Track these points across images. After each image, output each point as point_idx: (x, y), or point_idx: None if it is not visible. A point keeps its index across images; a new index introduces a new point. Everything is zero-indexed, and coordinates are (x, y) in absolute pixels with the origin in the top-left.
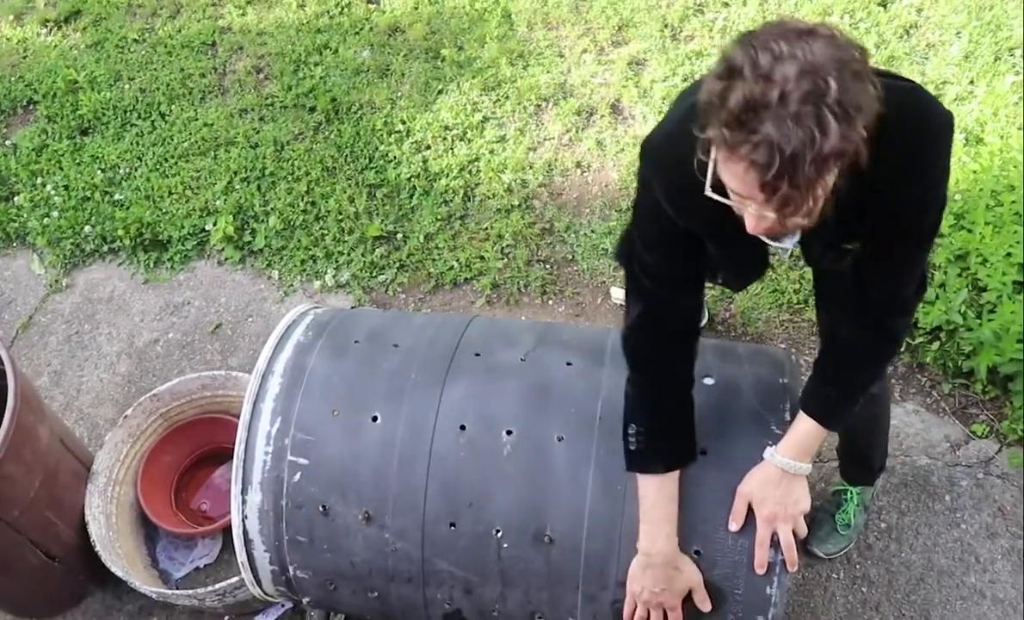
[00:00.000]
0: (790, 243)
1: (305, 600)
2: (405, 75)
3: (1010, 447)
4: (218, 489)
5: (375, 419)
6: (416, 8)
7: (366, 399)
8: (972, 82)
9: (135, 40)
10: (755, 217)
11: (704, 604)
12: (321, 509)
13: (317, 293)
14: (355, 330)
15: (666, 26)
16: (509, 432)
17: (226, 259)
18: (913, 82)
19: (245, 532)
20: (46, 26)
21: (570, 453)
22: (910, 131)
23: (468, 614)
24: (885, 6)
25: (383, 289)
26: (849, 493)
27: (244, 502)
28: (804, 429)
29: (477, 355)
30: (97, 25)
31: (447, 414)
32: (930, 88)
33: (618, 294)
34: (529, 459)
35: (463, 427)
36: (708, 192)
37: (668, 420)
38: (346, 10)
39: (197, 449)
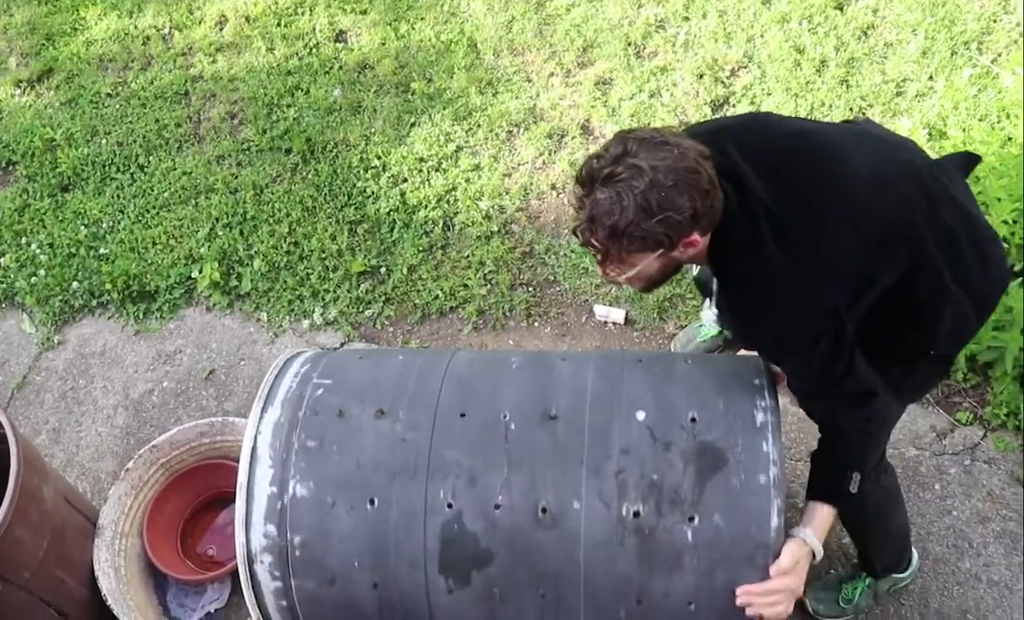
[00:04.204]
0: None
1: (296, 539)
2: (377, 111)
3: (994, 432)
4: (223, 533)
5: (398, 357)
6: (383, 44)
7: (391, 352)
8: (931, 78)
9: (109, 94)
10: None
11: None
12: (338, 413)
13: (306, 332)
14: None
15: (630, 44)
16: (516, 359)
17: (214, 305)
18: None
19: (254, 449)
20: (19, 87)
21: (571, 363)
22: (741, 265)
23: (469, 516)
24: (842, 9)
25: (371, 323)
26: (862, 573)
27: (261, 419)
28: (812, 507)
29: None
30: (70, 82)
31: (461, 355)
32: (890, 86)
33: (601, 311)
34: (535, 368)
35: (474, 361)
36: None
37: None
38: (315, 51)
39: (199, 496)
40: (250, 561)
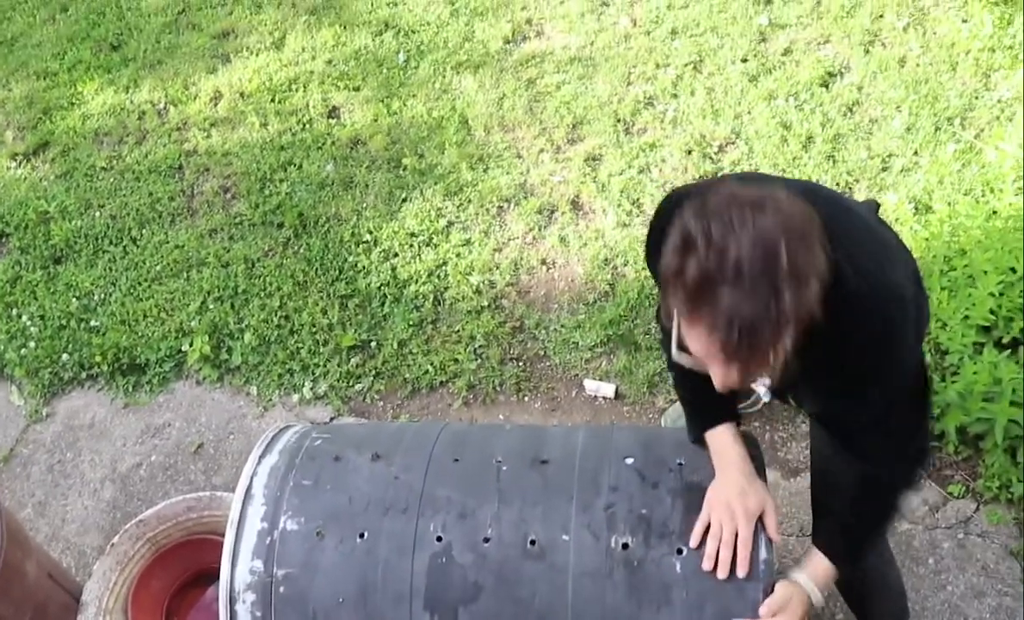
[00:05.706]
0: (764, 393)
1: (281, 573)
2: (369, 186)
3: (987, 505)
4: (208, 610)
5: (395, 424)
6: (375, 120)
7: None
8: (916, 153)
9: (103, 168)
10: (720, 376)
11: (773, 532)
12: (334, 458)
13: (296, 406)
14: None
15: (619, 121)
16: (508, 425)
17: (204, 378)
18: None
19: (249, 488)
20: (15, 159)
21: (562, 428)
22: (866, 308)
23: (458, 549)
24: (827, 86)
25: (361, 398)
26: None
27: (260, 462)
28: (816, 558)
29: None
30: (65, 155)
31: (455, 423)
32: (876, 162)
33: (591, 386)
34: (528, 429)
35: (469, 427)
36: (675, 355)
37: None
38: (308, 126)
39: (186, 572)
40: (232, 601)
